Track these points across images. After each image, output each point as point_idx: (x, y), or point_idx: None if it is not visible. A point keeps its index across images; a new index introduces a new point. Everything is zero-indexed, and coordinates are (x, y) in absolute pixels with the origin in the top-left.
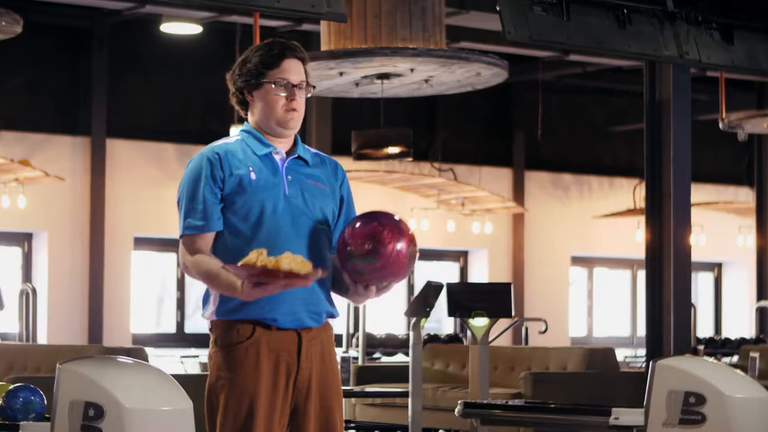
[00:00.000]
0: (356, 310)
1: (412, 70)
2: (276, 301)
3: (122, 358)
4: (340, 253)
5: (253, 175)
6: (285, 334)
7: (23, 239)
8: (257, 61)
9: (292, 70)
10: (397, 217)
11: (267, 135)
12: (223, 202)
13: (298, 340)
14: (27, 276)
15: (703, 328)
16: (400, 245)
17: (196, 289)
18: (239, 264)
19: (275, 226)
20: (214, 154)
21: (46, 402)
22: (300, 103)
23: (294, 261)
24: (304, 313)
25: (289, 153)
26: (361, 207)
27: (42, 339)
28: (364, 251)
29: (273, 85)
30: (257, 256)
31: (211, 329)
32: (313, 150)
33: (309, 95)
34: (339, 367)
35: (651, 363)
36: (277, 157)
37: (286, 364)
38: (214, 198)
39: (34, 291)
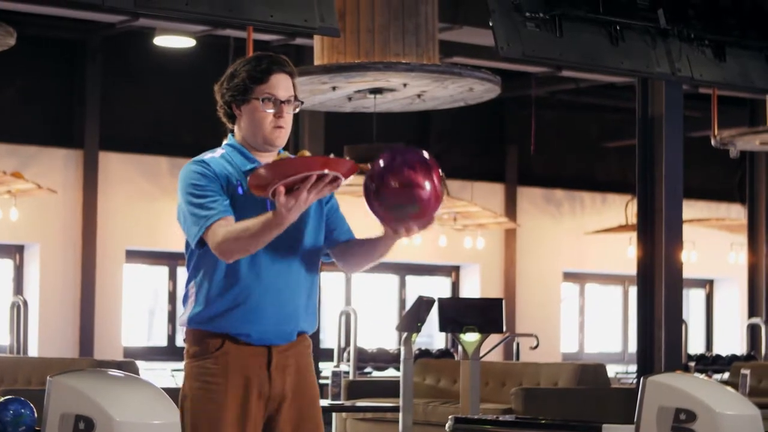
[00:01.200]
0: (348, 324)
1: (405, 85)
2: (247, 319)
3: (113, 372)
4: (374, 206)
5: (240, 190)
6: (254, 348)
7: (15, 251)
8: (245, 76)
9: (280, 85)
10: (418, 151)
11: (252, 150)
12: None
13: (268, 353)
14: (18, 288)
15: (694, 345)
16: (435, 180)
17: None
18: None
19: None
20: (204, 163)
21: (36, 415)
22: (287, 120)
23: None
24: (272, 333)
25: None
26: (354, 221)
27: (33, 352)
28: (404, 201)
29: (260, 102)
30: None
31: (184, 339)
32: None
33: (297, 110)
34: (316, 378)
35: (642, 379)
36: None
37: (257, 378)
38: (217, 191)
39: (25, 303)
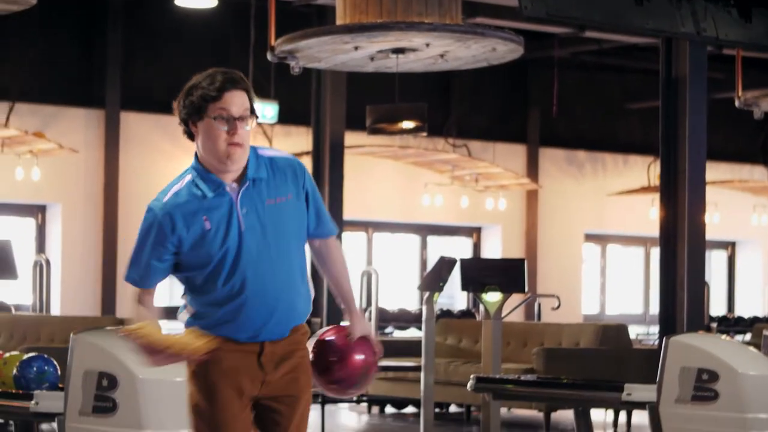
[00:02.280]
0: (369, 285)
1: (427, 45)
2: (238, 329)
3: None
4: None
5: (207, 225)
6: (247, 345)
7: (37, 211)
8: (199, 95)
9: (234, 102)
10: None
11: (214, 170)
12: (179, 255)
13: (260, 347)
14: (41, 247)
15: (716, 306)
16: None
17: None
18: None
19: (240, 268)
20: (166, 216)
21: (59, 372)
22: (243, 136)
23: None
24: (265, 334)
25: (241, 177)
26: (375, 182)
27: (55, 310)
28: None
29: (214, 120)
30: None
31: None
32: (268, 154)
33: (253, 125)
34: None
35: (664, 340)
36: (229, 191)
37: (249, 370)
38: (159, 263)
39: (47, 262)
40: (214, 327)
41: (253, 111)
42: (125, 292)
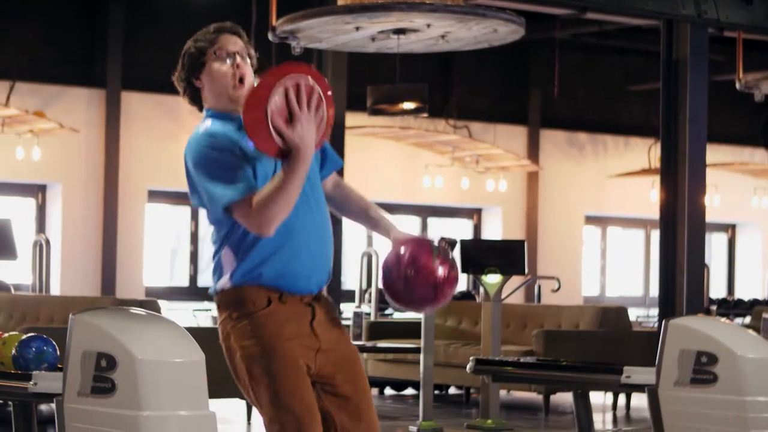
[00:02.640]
0: (369, 265)
1: (428, 25)
2: (286, 265)
3: (136, 310)
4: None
5: (251, 144)
6: (298, 305)
7: (37, 191)
8: (195, 47)
9: (228, 41)
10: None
11: (230, 110)
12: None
13: (312, 311)
14: (41, 227)
15: (716, 289)
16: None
17: (210, 244)
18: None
19: None
20: (211, 135)
21: (58, 352)
22: (246, 72)
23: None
24: (316, 278)
25: None
26: (376, 163)
27: (55, 290)
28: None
29: (215, 62)
30: None
31: (220, 306)
32: None
33: (254, 65)
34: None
35: (663, 322)
36: None
37: (305, 337)
38: (236, 161)
39: (47, 242)
40: (262, 262)
41: (251, 57)
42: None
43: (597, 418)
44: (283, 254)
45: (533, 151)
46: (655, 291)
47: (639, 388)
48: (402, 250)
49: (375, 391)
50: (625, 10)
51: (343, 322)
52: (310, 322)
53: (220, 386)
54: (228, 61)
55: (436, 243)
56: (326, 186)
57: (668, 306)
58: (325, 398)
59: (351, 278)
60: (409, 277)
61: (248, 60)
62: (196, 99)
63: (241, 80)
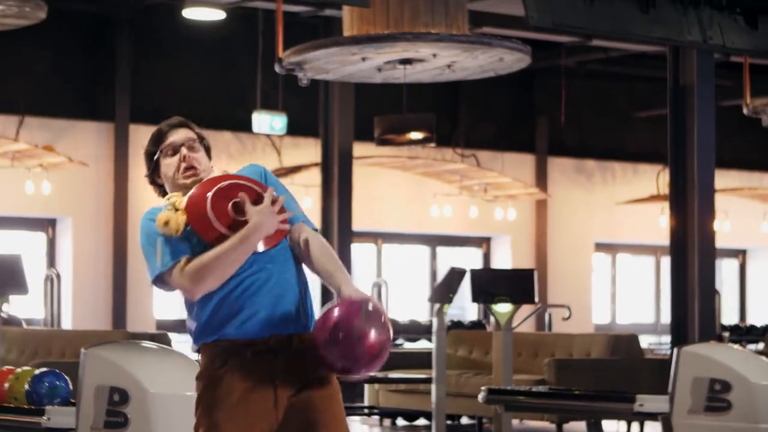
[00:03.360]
0: (379, 296)
1: (434, 55)
2: (244, 321)
3: (147, 344)
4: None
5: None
6: (258, 359)
7: (47, 225)
8: (148, 148)
9: (176, 135)
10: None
11: None
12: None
13: (273, 359)
14: (51, 261)
15: (728, 315)
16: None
17: None
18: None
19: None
20: (153, 213)
21: (71, 387)
22: (195, 158)
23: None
24: (272, 326)
25: None
26: (383, 193)
27: (66, 324)
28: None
29: (164, 159)
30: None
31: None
32: (235, 171)
33: (203, 148)
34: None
35: (676, 350)
36: None
37: (261, 386)
38: (169, 239)
39: (58, 276)
40: (220, 325)
41: (202, 140)
42: (136, 305)
43: None
44: (240, 318)
45: (541, 179)
46: (666, 318)
47: (652, 416)
48: (335, 311)
49: (387, 422)
50: (630, 36)
51: None
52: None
53: None
54: (175, 154)
55: (370, 305)
56: (293, 239)
57: (680, 333)
58: None
59: None
60: (335, 339)
61: (198, 145)
62: (161, 191)
63: (189, 168)
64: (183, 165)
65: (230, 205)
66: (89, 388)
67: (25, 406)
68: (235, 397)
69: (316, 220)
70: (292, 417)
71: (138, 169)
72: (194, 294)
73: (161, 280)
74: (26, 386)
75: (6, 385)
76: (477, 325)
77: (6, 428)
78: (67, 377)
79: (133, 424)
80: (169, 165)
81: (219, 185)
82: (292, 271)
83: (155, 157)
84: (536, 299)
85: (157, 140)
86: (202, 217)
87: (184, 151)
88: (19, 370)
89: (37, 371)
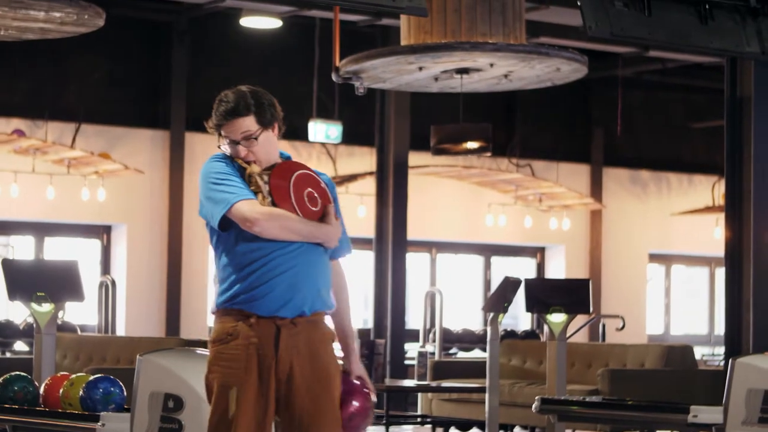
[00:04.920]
0: (433, 305)
1: (491, 65)
2: (261, 297)
3: (202, 351)
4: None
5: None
6: (264, 325)
7: (102, 232)
8: (213, 123)
9: (232, 129)
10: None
11: None
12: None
13: (276, 332)
14: (106, 268)
15: None
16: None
17: None
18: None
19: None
20: (223, 157)
21: (125, 393)
22: (253, 152)
23: None
24: (284, 308)
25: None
26: (438, 202)
27: (121, 331)
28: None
29: (224, 139)
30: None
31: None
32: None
33: (261, 129)
34: (335, 361)
35: (730, 361)
36: None
37: (264, 357)
38: (239, 179)
39: (113, 283)
40: (239, 294)
41: (264, 123)
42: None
43: None
44: (260, 290)
45: (596, 189)
46: (720, 329)
47: (706, 427)
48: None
49: (440, 431)
50: (689, 47)
51: (408, 362)
52: (275, 344)
53: None
54: (233, 149)
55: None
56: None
57: (734, 344)
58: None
59: (415, 317)
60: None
61: (254, 136)
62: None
63: (248, 161)
64: (245, 158)
65: (306, 192)
66: (144, 394)
67: (80, 412)
68: (241, 365)
69: (370, 229)
70: (294, 387)
71: (192, 175)
72: (260, 226)
73: (235, 212)
74: (81, 392)
75: (61, 391)
76: (530, 335)
77: None
78: (121, 383)
79: (187, 430)
80: (231, 150)
81: (302, 171)
82: (319, 268)
83: (219, 129)
84: (591, 309)
85: (217, 125)
86: (284, 190)
87: (241, 151)
88: (73, 376)
89: (91, 377)
